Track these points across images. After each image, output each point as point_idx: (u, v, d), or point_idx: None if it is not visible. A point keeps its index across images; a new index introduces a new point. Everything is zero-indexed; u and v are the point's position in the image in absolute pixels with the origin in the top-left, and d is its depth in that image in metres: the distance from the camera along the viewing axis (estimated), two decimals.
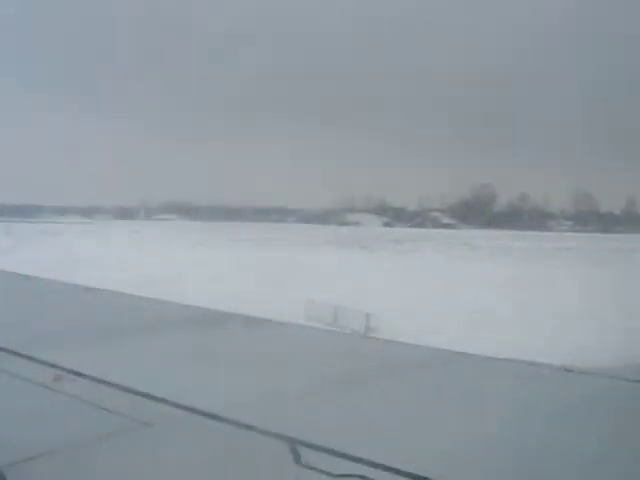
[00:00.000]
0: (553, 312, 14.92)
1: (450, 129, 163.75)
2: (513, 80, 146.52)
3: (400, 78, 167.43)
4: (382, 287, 18.97)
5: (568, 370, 5.45)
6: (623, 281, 21.30)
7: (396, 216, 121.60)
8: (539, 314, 14.59)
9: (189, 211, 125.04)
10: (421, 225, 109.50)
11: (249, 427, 3.63)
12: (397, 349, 6.43)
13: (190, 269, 22.12)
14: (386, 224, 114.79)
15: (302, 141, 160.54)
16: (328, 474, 3.02)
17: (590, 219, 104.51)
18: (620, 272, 24.54)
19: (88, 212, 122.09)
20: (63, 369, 4.81)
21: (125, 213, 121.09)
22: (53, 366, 4.89)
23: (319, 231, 67.45)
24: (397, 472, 3.04)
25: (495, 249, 45.22)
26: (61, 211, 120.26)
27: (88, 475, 3.15)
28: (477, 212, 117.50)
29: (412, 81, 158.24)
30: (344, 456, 3.22)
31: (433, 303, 16.00)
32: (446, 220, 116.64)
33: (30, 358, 5.18)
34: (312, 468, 3.09)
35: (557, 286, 20.44)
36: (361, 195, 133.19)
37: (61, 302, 8.82)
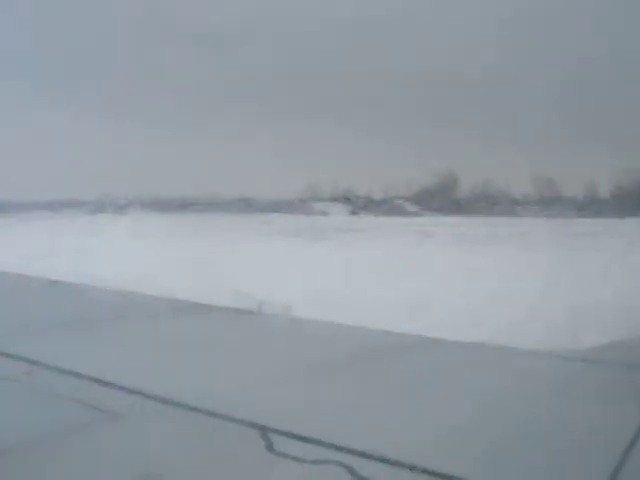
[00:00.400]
0: (495, 295, 14.96)
1: (415, 117, 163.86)
2: (474, 67, 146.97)
3: (364, 68, 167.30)
4: (318, 277, 18.94)
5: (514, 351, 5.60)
6: (573, 264, 21.39)
7: (362, 205, 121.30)
8: (478, 298, 14.61)
9: (157, 204, 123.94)
10: (387, 213, 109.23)
11: (220, 415, 3.66)
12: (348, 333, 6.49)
13: (146, 262, 22.08)
14: (352, 213, 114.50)
15: (268, 131, 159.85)
16: (300, 460, 3.06)
17: (555, 204, 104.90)
18: (572, 256, 24.63)
19: (55, 206, 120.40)
20: (33, 362, 4.81)
21: (92, 207, 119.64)
22: (23, 359, 4.89)
23: (281, 221, 67.11)
24: (370, 457, 3.08)
25: (451, 235, 45.19)
26: (28, 207, 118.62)
27: (60, 467, 3.14)
28: (441, 199, 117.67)
29: (376, 71, 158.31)
30: (316, 442, 3.26)
31: (370, 290, 15.97)
32: (411, 208, 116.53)
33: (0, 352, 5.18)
34: (285, 455, 3.13)
35: (507, 270, 20.50)
36: (328, 184, 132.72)
37: (27, 295, 8.79)
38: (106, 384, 4.29)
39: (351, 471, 2.92)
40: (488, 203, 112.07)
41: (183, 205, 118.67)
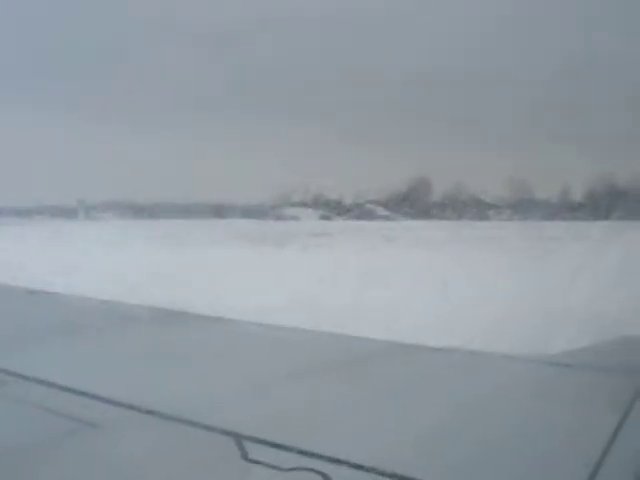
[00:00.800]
0: (467, 300, 14.93)
1: (386, 121, 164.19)
2: (444, 71, 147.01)
3: (335, 69, 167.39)
4: (288, 282, 18.93)
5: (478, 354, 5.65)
6: (546, 268, 21.38)
7: (333, 209, 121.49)
8: (449, 302, 14.60)
9: (128, 209, 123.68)
10: (358, 217, 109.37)
11: (194, 424, 3.66)
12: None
13: (123, 269, 21.99)
14: (323, 217, 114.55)
15: (239, 136, 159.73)
16: (276, 468, 3.06)
17: (528, 207, 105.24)
18: (544, 259, 24.59)
19: (29, 213, 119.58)
20: (7, 372, 4.78)
21: (65, 212, 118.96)
22: None
23: (252, 226, 67.00)
24: (347, 464, 3.08)
25: (422, 240, 45.11)
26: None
27: (34, 478, 3.13)
28: (413, 203, 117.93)
29: (347, 73, 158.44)
30: (292, 450, 3.25)
31: (340, 295, 15.95)
32: (382, 212, 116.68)
33: None
34: (259, 463, 3.12)
35: (479, 274, 20.49)
36: (298, 189, 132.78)
37: (3, 305, 8.72)
38: (81, 394, 4.26)
39: (327, 479, 2.93)
40: (460, 207, 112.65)
41: (157, 211, 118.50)
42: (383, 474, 2.97)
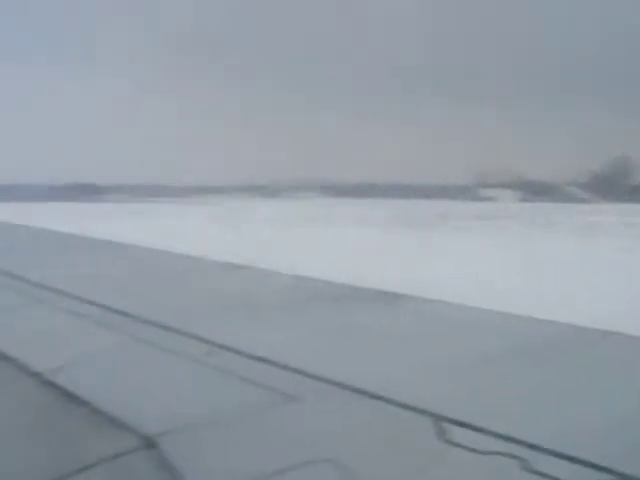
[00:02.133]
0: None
1: (588, 100, 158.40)
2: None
3: (530, 53, 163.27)
4: (482, 263, 18.38)
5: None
6: None
7: (532, 191, 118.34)
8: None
9: (330, 189, 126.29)
10: (557, 200, 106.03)
11: (394, 402, 3.70)
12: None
13: (319, 246, 22.25)
14: (523, 199, 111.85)
15: (437, 116, 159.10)
16: (474, 451, 3.06)
17: None
18: None
19: (230, 191, 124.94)
20: (214, 343, 5.00)
21: (268, 191, 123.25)
22: (204, 340, 5.10)
23: (449, 208, 65.86)
24: (544, 451, 3.04)
25: (625, 224, 42.66)
26: (206, 190, 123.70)
27: (235, 446, 3.30)
28: (615, 186, 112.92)
29: (542, 55, 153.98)
30: (489, 433, 3.24)
31: (541, 280, 15.33)
32: (583, 194, 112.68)
33: (182, 333, 5.42)
34: (457, 445, 3.14)
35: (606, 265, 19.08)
36: (497, 169, 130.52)
37: (207, 278, 9.08)
38: (283, 367, 4.41)
39: (524, 464, 2.90)
40: None
41: (360, 191, 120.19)
42: (582, 463, 2.91)
